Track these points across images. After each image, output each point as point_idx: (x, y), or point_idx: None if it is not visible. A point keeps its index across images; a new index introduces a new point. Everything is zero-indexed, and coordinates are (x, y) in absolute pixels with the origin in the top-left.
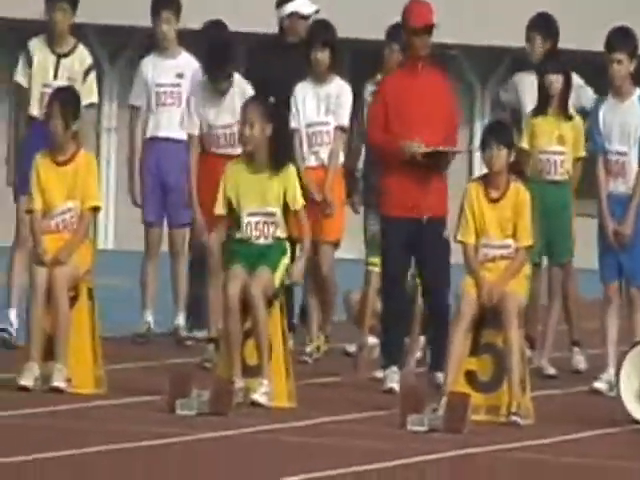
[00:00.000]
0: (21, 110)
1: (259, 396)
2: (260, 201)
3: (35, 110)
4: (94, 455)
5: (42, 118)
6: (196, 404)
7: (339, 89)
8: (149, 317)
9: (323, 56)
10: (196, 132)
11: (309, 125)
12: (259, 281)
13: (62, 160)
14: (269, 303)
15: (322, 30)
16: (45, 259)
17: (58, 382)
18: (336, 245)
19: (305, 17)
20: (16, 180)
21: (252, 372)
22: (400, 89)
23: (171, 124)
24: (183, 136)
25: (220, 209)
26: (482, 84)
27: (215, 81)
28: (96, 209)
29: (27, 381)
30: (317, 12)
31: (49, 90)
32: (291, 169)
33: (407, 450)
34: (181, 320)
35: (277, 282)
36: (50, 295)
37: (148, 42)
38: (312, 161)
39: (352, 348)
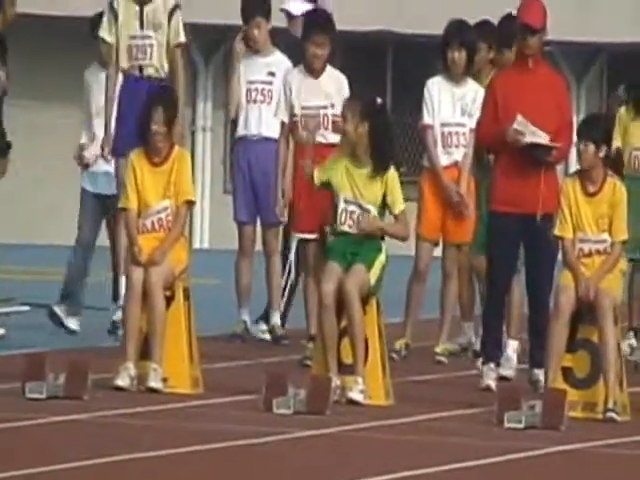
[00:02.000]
0: (110, 66)
1: (355, 394)
2: (358, 194)
3: (124, 63)
4: (190, 455)
5: (133, 71)
6: (293, 403)
7: (475, 92)
8: (245, 316)
9: (460, 57)
10: (286, 119)
11: (444, 125)
12: (354, 278)
13: (158, 161)
14: (364, 301)
15: (459, 30)
16: (141, 258)
17: (154, 382)
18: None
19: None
20: (114, 144)
21: (348, 370)
22: (510, 85)
23: (261, 122)
24: (273, 134)
25: (318, 180)
26: (577, 80)
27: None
28: (190, 203)
29: (123, 381)
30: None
31: (137, 42)
32: (392, 173)
33: (504, 447)
34: (276, 319)
35: (373, 280)
36: (146, 294)
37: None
38: (445, 160)
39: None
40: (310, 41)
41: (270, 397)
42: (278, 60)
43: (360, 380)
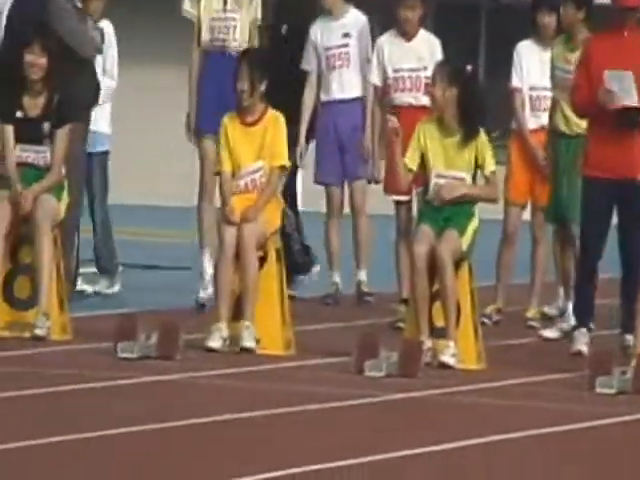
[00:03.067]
0: (196, 48)
1: (447, 357)
2: (449, 165)
3: (207, 42)
4: (282, 416)
5: (215, 49)
6: (385, 365)
7: None
8: (337, 278)
9: (550, 20)
10: (379, 83)
11: (532, 88)
12: (447, 243)
13: (250, 121)
14: (456, 265)
15: None
16: (233, 218)
17: (248, 342)
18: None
19: None
20: (197, 121)
21: (440, 333)
22: (603, 51)
23: (342, 85)
24: (355, 94)
25: (412, 164)
26: None
27: None
28: (283, 168)
29: (215, 342)
30: None
31: (220, 23)
32: (482, 136)
33: (595, 413)
34: (363, 276)
35: (465, 245)
36: (239, 254)
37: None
38: (532, 124)
39: (552, 310)
40: (402, 4)
41: (362, 359)
42: (352, 19)
43: (452, 344)
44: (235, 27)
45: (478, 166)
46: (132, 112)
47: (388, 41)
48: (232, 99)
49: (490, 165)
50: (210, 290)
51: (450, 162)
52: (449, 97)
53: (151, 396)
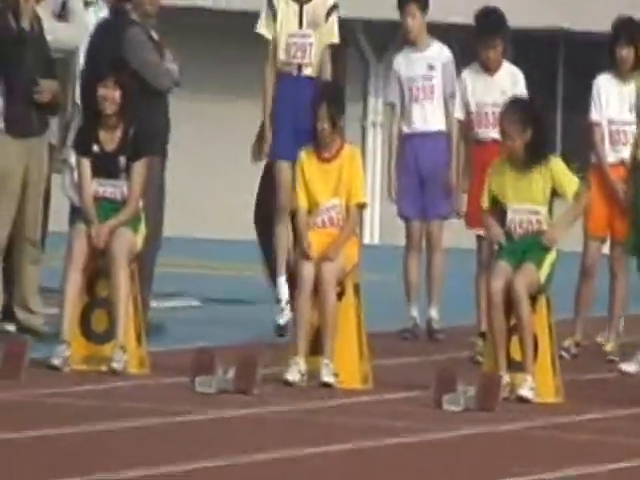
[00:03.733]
0: (268, 65)
1: (525, 391)
2: (523, 199)
3: (282, 62)
4: (361, 451)
5: (291, 70)
6: (463, 399)
7: None
8: (415, 312)
9: (629, 53)
10: (462, 117)
11: (612, 122)
12: (523, 277)
13: (327, 156)
14: (534, 299)
15: (627, 27)
16: (311, 253)
17: (327, 377)
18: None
19: None
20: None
21: (518, 367)
22: None
23: (425, 118)
24: (438, 127)
25: (486, 202)
26: None
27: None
28: (362, 206)
29: (293, 376)
30: None
31: (295, 40)
32: (555, 163)
33: None
34: (434, 313)
35: (542, 278)
36: (317, 290)
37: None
38: (612, 158)
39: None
40: (483, 44)
41: (440, 393)
42: (437, 52)
43: (530, 377)
44: (311, 47)
45: (560, 194)
46: (207, 145)
47: (471, 75)
48: (306, 122)
49: (573, 184)
50: (288, 313)
51: (523, 195)
52: (524, 138)
53: (229, 430)
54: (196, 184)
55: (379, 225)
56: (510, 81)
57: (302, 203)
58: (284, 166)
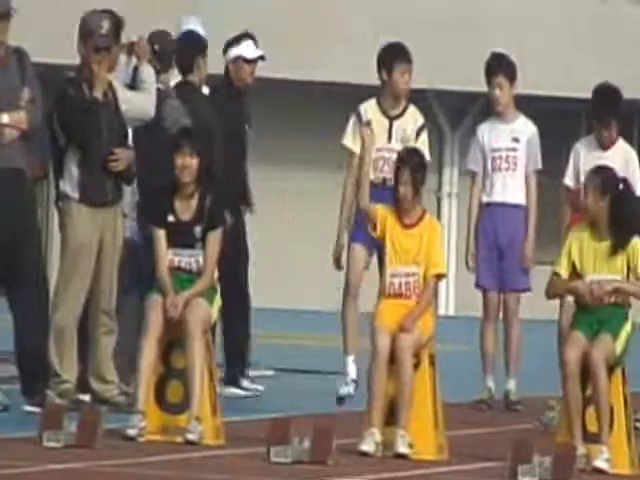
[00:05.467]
0: (350, 175)
1: (601, 462)
2: (600, 269)
3: (370, 174)
4: None
5: (377, 182)
6: (538, 470)
7: None
8: (490, 383)
9: None
10: (572, 184)
11: None
12: (601, 348)
13: (408, 223)
14: (610, 370)
15: None
16: (383, 327)
17: (402, 448)
18: None
19: (249, 61)
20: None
21: (593, 438)
22: None
23: (506, 189)
24: (518, 200)
25: (564, 271)
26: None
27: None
28: (441, 276)
29: (368, 446)
30: (262, 58)
31: (383, 154)
32: (634, 242)
33: None
34: (512, 385)
35: (619, 349)
36: (393, 360)
37: (487, 107)
38: None
39: None
40: (599, 122)
41: (515, 464)
42: (522, 126)
43: (605, 448)
44: None
45: (629, 269)
46: (277, 217)
47: (586, 148)
48: None
49: None
50: (351, 388)
51: (601, 267)
52: (602, 206)
53: None
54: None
55: (454, 296)
56: (622, 158)
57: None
58: (358, 247)
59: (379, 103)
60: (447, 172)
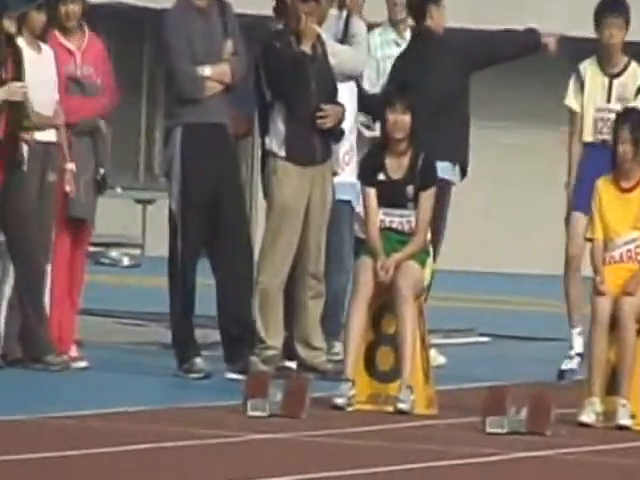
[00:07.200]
0: (574, 135)
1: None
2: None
3: (589, 137)
4: None
5: (596, 143)
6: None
7: None
8: None
9: None
10: None
11: None
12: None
13: (627, 187)
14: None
15: None
16: (603, 288)
17: (624, 420)
18: None
19: None
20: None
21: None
22: None
23: None
24: None
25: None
26: None
27: None
28: None
29: (588, 417)
30: None
31: (603, 114)
32: None
33: None
34: None
35: None
36: (615, 326)
37: None
38: None
39: None
40: None
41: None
42: None
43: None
44: None
45: None
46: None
47: None
48: None
49: None
50: (574, 362)
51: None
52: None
53: (520, 473)
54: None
55: None
56: None
57: (598, 235)
58: (578, 216)
59: (599, 61)
60: None
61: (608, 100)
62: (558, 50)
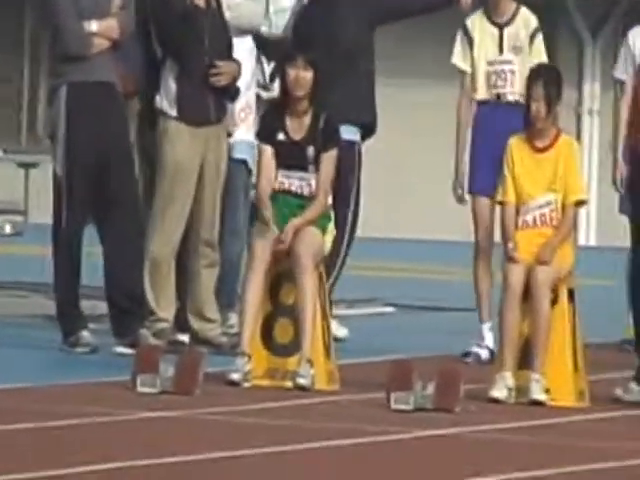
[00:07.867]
0: (464, 97)
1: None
2: None
3: (483, 94)
4: (578, 474)
5: (490, 99)
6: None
7: None
8: None
9: None
10: None
11: None
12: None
13: (541, 146)
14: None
15: None
16: (515, 255)
17: (537, 395)
18: None
19: None
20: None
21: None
22: None
23: None
24: None
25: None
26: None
27: None
28: (581, 203)
29: (500, 392)
30: None
31: (495, 67)
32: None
33: None
34: None
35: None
36: (528, 297)
37: (631, 11)
38: None
39: None
40: None
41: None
42: None
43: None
44: (513, 75)
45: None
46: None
47: None
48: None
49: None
50: (483, 353)
51: None
52: None
53: (427, 451)
54: (397, 182)
55: (596, 224)
56: None
57: (510, 198)
58: (483, 203)
59: (485, 12)
60: (587, 86)
61: (500, 51)
62: (472, 5)
